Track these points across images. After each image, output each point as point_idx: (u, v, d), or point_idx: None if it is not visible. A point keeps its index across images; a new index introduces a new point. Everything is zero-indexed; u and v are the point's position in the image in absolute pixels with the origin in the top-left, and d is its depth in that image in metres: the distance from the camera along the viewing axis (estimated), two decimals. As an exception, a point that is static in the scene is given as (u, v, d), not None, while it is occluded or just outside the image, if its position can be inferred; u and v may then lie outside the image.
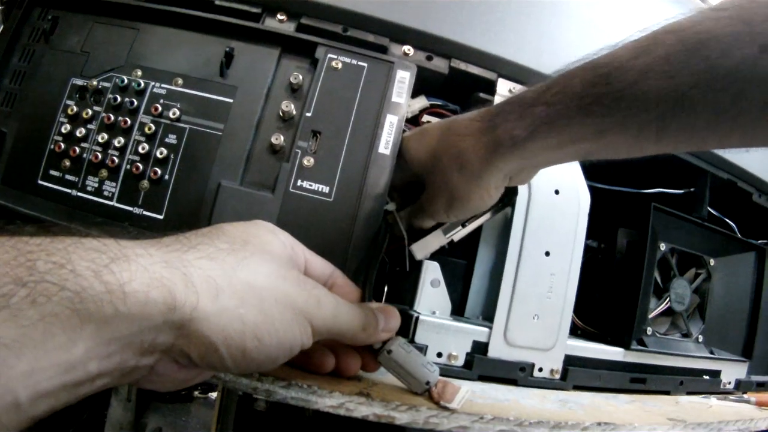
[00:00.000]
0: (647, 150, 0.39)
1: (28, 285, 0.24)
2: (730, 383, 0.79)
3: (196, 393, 0.88)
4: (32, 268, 0.25)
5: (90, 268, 0.26)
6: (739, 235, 0.81)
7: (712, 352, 0.76)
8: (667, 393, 0.70)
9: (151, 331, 0.28)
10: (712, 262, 0.77)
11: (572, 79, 0.39)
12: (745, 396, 0.76)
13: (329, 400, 0.41)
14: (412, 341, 0.52)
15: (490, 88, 0.58)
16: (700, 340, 0.75)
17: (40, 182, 0.54)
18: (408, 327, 0.53)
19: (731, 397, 0.75)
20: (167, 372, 0.32)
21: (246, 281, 0.33)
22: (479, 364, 0.55)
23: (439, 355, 0.54)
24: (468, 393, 0.45)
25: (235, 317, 0.31)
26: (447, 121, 0.48)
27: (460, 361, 0.55)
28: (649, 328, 0.68)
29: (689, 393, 0.73)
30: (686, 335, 0.74)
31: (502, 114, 0.43)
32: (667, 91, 0.34)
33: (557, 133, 0.40)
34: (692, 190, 0.74)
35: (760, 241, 0.84)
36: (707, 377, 0.75)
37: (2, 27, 0.61)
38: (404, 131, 0.53)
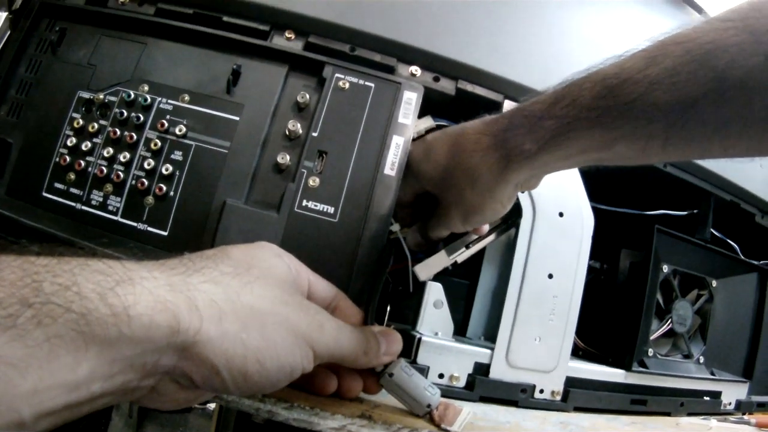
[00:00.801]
0: (654, 158, 0.40)
1: (34, 306, 0.24)
2: (730, 404, 0.78)
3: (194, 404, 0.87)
4: (38, 290, 0.25)
5: (95, 291, 0.27)
6: (742, 256, 0.81)
7: (713, 373, 0.76)
8: (668, 414, 0.70)
9: (155, 353, 0.29)
10: (714, 283, 0.77)
11: (581, 91, 0.40)
12: (745, 417, 0.76)
13: (331, 422, 0.41)
14: (414, 362, 0.52)
15: (497, 109, 0.58)
16: (701, 361, 0.75)
17: (44, 194, 0.54)
18: (410, 348, 0.53)
19: (731, 418, 0.75)
20: (169, 392, 0.32)
21: (249, 306, 0.33)
22: (481, 386, 0.54)
23: (441, 376, 0.54)
24: (469, 415, 0.45)
25: (237, 341, 0.31)
26: (452, 135, 0.48)
27: (462, 383, 0.54)
28: (650, 350, 0.68)
29: (690, 414, 0.72)
30: (687, 356, 0.74)
31: (511, 129, 0.44)
32: (675, 102, 0.35)
33: (567, 145, 0.41)
34: (695, 211, 0.74)
35: (762, 262, 0.83)
36: (708, 398, 0.75)
37: (9, 36, 0.61)
38: None
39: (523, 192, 0.52)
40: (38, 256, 0.27)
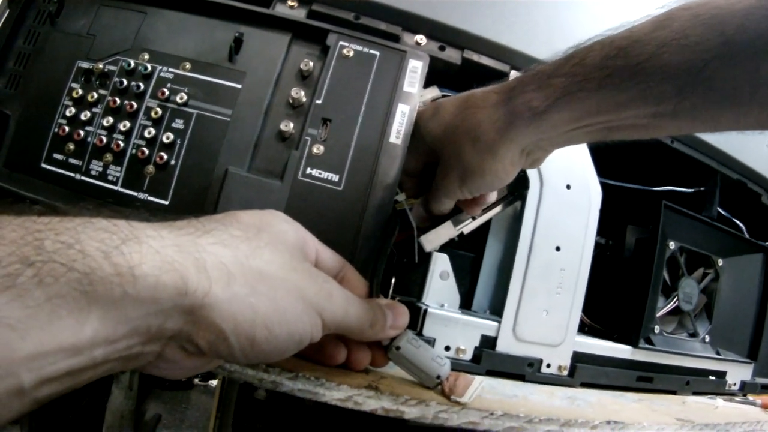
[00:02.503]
0: (665, 127, 0.39)
1: (35, 265, 0.23)
2: (735, 384, 0.78)
3: (196, 381, 0.87)
4: (40, 248, 0.24)
5: (99, 249, 0.25)
6: (748, 236, 0.80)
7: (718, 353, 0.75)
8: (674, 393, 0.70)
9: (160, 315, 0.28)
10: (720, 262, 0.76)
11: (591, 51, 0.39)
12: (751, 398, 0.76)
13: (337, 393, 0.41)
14: (420, 334, 0.52)
15: (503, 79, 0.57)
16: (707, 340, 0.75)
17: (43, 166, 0.53)
18: (416, 319, 0.52)
19: (737, 398, 0.75)
20: (174, 359, 0.31)
21: (259, 270, 0.32)
22: (487, 359, 0.54)
23: (447, 348, 0.53)
24: (481, 385, 0.45)
25: (246, 306, 0.31)
26: (463, 94, 0.47)
27: (468, 355, 0.54)
28: (656, 327, 0.68)
29: (695, 393, 0.72)
30: (693, 335, 0.73)
31: (519, 86, 0.43)
32: (684, 64, 0.34)
33: (576, 105, 0.40)
34: (702, 189, 0.73)
35: (768, 243, 0.83)
36: (713, 378, 0.75)
37: (8, 9, 0.60)
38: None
39: (528, 168, 0.50)
40: (40, 215, 0.26)
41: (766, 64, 0.32)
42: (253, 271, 0.32)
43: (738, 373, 0.78)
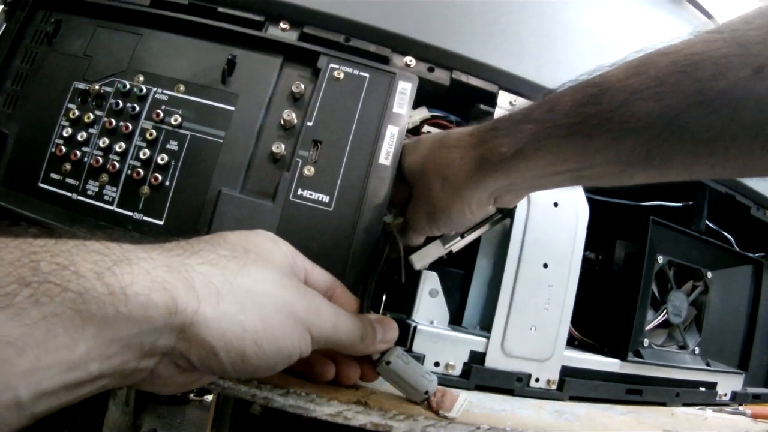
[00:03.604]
0: (637, 177, 0.38)
1: (31, 285, 0.25)
2: (726, 395, 0.79)
3: (191, 395, 0.88)
4: (36, 269, 0.25)
5: (93, 270, 0.27)
6: (737, 249, 0.81)
7: (708, 364, 0.76)
8: (663, 404, 0.70)
9: (152, 333, 0.29)
10: (709, 275, 0.77)
11: (562, 97, 0.38)
12: (741, 408, 0.76)
13: (327, 409, 0.41)
14: (409, 350, 0.53)
15: (491, 100, 0.59)
16: (697, 352, 0.75)
17: (40, 185, 0.54)
18: (406, 336, 0.53)
19: (727, 409, 0.75)
20: (167, 375, 0.32)
21: (247, 288, 0.33)
22: (476, 374, 0.55)
23: (437, 364, 0.54)
24: (466, 401, 0.46)
25: (235, 323, 0.32)
26: (443, 132, 0.49)
27: (458, 371, 0.55)
28: (645, 340, 0.68)
29: (685, 404, 0.73)
30: (683, 347, 0.74)
31: (493, 131, 0.43)
32: (657, 113, 0.33)
33: (545, 153, 0.39)
34: (690, 203, 0.74)
35: (757, 255, 0.84)
36: (703, 389, 0.75)
37: (5, 28, 0.61)
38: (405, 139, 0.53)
39: (499, 206, 0.51)
40: (36, 237, 0.28)
41: (744, 113, 0.31)
42: (242, 289, 0.33)
43: (729, 383, 0.79)
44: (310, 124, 0.52)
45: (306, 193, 0.50)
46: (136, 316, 0.27)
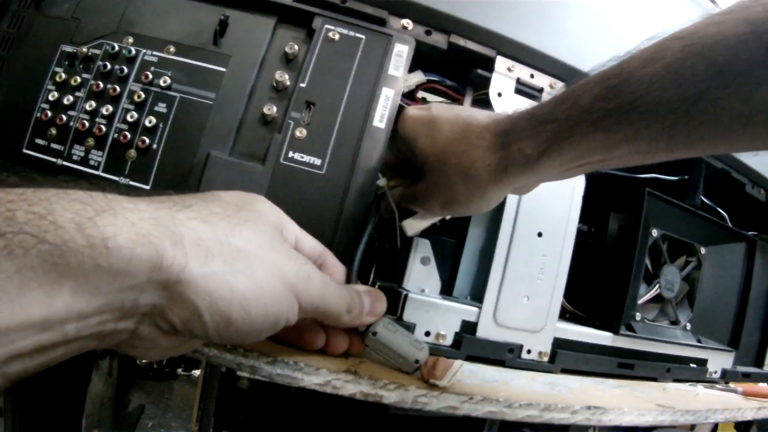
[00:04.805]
0: (659, 158, 0.39)
1: (5, 236, 0.23)
2: (716, 372, 0.79)
3: (179, 371, 0.87)
4: (11, 219, 0.24)
5: (73, 221, 0.25)
6: (731, 225, 0.81)
7: (699, 341, 0.76)
8: (654, 379, 0.70)
9: (134, 290, 0.27)
10: (702, 250, 0.77)
11: (582, 93, 0.39)
12: (732, 386, 0.76)
13: (315, 378, 0.40)
14: (400, 320, 0.52)
15: (489, 65, 0.58)
16: (688, 328, 0.76)
17: (25, 151, 0.52)
18: (396, 305, 0.52)
19: (718, 386, 0.76)
20: (148, 337, 0.30)
21: (237, 248, 0.32)
22: (468, 344, 0.54)
23: (428, 334, 0.53)
24: (461, 368, 0.45)
25: (223, 284, 0.30)
26: (461, 120, 0.47)
27: (449, 341, 0.54)
28: (638, 314, 0.68)
29: (676, 380, 0.73)
30: (674, 323, 0.74)
31: (514, 131, 0.42)
32: (677, 99, 0.34)
33: (569, 149, 0.40)
34: (686, 177, 0.74)
35: (750, 232, 0.84)
36: (694, 365, 0.75)
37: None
38: (406, 105, 0.52)
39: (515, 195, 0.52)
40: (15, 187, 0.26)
41: (759, 90, 0.31)
42: (232, 249, 0.32)
43: (719, 361, 0.79)
44: (303, 85, 0.51)
45: (297, 156, 0.49)
46: (117, 270, 0.26)
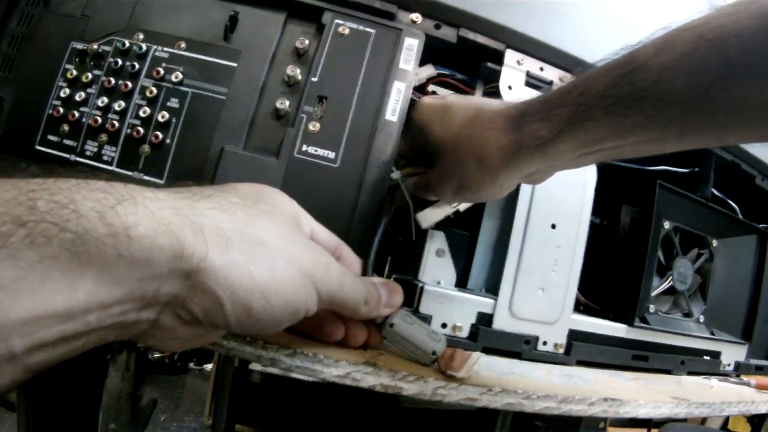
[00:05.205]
0: (670, 147, 0.39)
1: (27, 225, 0.23)
2: (729, 365, 0.79)
3: (191, 365, 0.87)
4: (33, 208, 0.23)
5: (94, 210, 0.25)
6: (742, 217, 0.81)
7: (712, 333, 0.76)
8: (668, 372, 0.70)
9: (155, 279, 0.27)
10: (714, 242, 0.76)
11: (595, 79, 0.39)
12: (745, 379, 0.76)
13: (335, 370, 0.40)
14: (416, 312, 0.52)
15: (498, 58, 0.58)
16: (701, 320, 0.75)
17: (37, 147, 0.52)
18: (412, 297, 0.52)
19: (731, 379, 0.75)
20: (169, 327, 0.30)
21: (257, 238, 0.32)
22: (484, 336, 0.54)
23: (444, 325, 0.53)
24: (479, 359, 0.45)
25: (244, 273, 0.30)
26: (474, 106, 0.47)
27: (465, 333, 0.54)
28: (651, 306, 0.68)
29: (690, 373, 0.73)
30: (688, 315, 0.74)
31: (527, 114, 0.43)
32: (688, 88, 0.34)
33: (582, 134, 0.40)
34: (697, 169, 0.73)
35: (761, 225, 0.83)
36: (707, 358, 0.75)
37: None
38: (418, 98, 0.52)
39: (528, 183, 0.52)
40: (36, 177, 0.26)
41: None
42: (252, 239, 0.32)
43: (732, 353, 0.79)
44: (314, 79, 0.51)
45: (311, 149, 0.49)
46: (139, 260, 0.26)
